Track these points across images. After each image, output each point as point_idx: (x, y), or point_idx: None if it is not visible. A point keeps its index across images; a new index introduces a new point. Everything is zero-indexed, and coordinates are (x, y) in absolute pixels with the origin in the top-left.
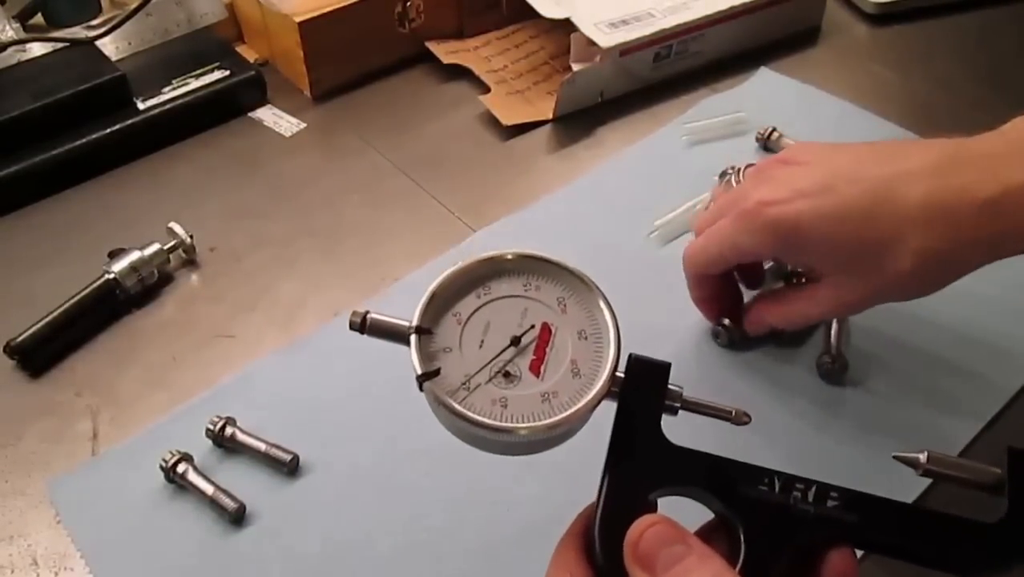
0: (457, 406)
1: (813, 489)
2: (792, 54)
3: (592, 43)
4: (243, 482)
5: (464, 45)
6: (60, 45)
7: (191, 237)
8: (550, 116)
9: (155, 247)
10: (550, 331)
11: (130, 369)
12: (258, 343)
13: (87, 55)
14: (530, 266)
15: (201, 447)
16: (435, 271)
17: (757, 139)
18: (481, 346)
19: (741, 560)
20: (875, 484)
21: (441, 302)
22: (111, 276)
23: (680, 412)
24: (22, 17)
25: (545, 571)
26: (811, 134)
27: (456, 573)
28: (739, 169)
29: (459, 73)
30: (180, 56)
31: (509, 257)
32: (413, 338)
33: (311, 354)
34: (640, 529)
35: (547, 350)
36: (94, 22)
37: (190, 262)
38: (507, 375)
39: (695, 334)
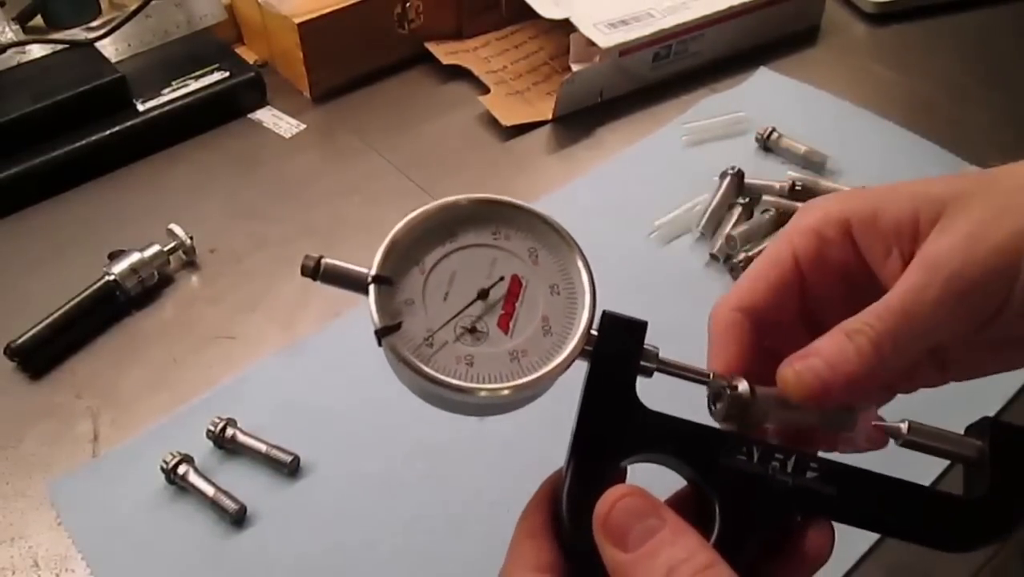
0: (420, 364)
1: (792, 460)
2: (791, 54)
3: (591, 43)
4: (244, 483)
5: (463, 46)
6: (60, 47)
7: (191, 238)
8: (550, 116)
9: (155, 248)
10: (520, 284)
11: (130, 370)
12: (258, 344)
13: (87, 57)
14: (500, 213)
15: (202, 448)
16: None
17: (757, 139)
18: (446, 299)
19: (716, 532)
20: None
21: (403, 250)
22: (111, 278)
23: (667, 384)
24: (22, 19)
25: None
26: (811, 134)
27: (456, 574)
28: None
29: (458, 74)
30: (180, 58)
31: (477, 200)
32: (372, 288)
33: (312, 355)
34: (611, 501)
35: (516, 305)
36: (94, 24)
37: (190, 263)
38: (473, 331)
39: (695, 334)
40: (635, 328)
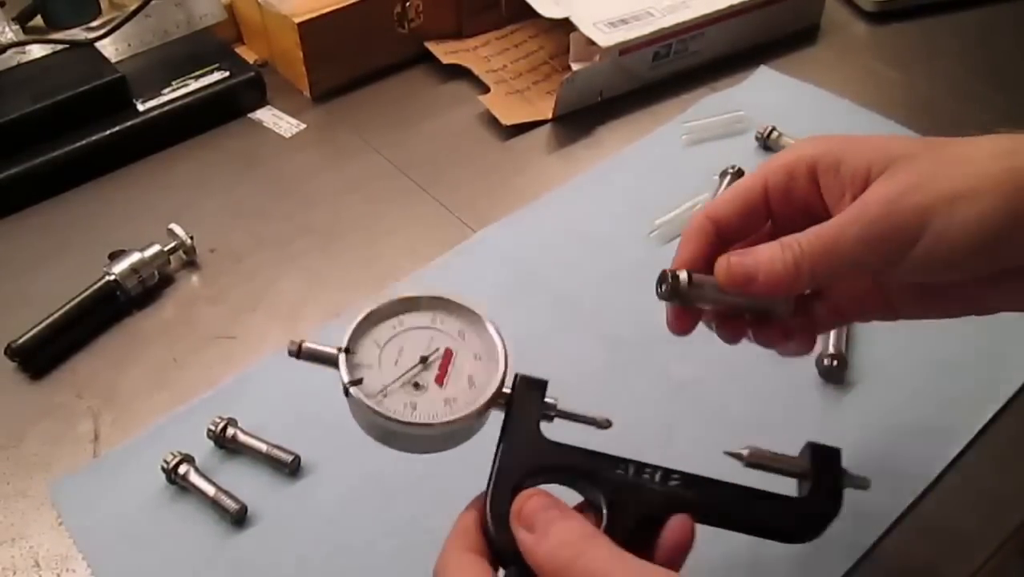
0: (376, 407)
1: (660, 473)
2: (791, 52)
3: (591, 42)
4: (244, 483)
5: (463, 45)
6: (60, 47)
7: (191, 238)
8: (550, 116)
9: (155, 248)
10: (452, 353)
11: (131, 370)
12: (259, 344)
13: (87, 57)
14: (438, 304)
15: (202, 448)
16: (435, 270)
17: (757, 138)
18: (396, 364)
19: (603, 524)
20: (874, 482)
21: (364, 331)
22: (112, 277)
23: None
24: (22, 19)
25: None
26: (811, 132)
27: None
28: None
29: (458, 73)
30: (180, 57)
31: (421, 298)
32: (341, 356)
33: None
34: (523, 499)
35: (449, 368)
36: (93, 24)
37: (190, 263)
38: (417, 386)
39: (695, 334)
40: (540, 385)
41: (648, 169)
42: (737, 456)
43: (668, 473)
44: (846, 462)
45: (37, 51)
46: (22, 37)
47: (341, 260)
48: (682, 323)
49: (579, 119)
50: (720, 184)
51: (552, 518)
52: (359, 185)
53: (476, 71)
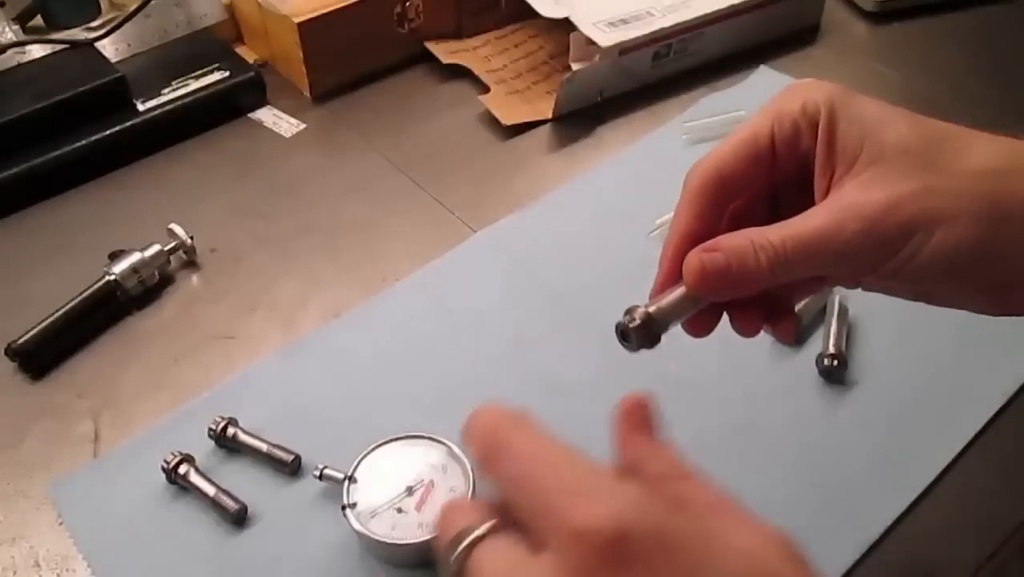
0: (363, 528)
1: None
2: (791, 52)
3: (591, 42)
4: (245, 483)
5: (463, 45)
6: (60, 47)
7: (191, 238)
8: (550, 116)
9: (155, 248)
10: (432, 485)
11: (131, 370)
12: (259, 344)
13: (87, 57)
14: (428, 443)
15: (203, 448)
16: (435, 270)
17: None
18: (386, 490)
19: None
20: (874, 482)
21: (368, 460)
22: (112, 278)
23: None
24: (22, 19)
25: None
26: None
27: None
28: None
29: (459, 73)
30: (180, 57)
31: (418, 437)
32: (346, 483)
33: (312, 354)
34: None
35: (428, 496)
36: (93, 24)
37: (190, 263)
38: (399, 510)
39: None
40: None
41: (648, 169)
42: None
43: None
44: (845, 462)
45: (37, 51)
46: (22, 37)
47: (341, 260)
48: (699, 326)
49: (579, 119)
50: None
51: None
52: (359, 185)
53: (476, 71)
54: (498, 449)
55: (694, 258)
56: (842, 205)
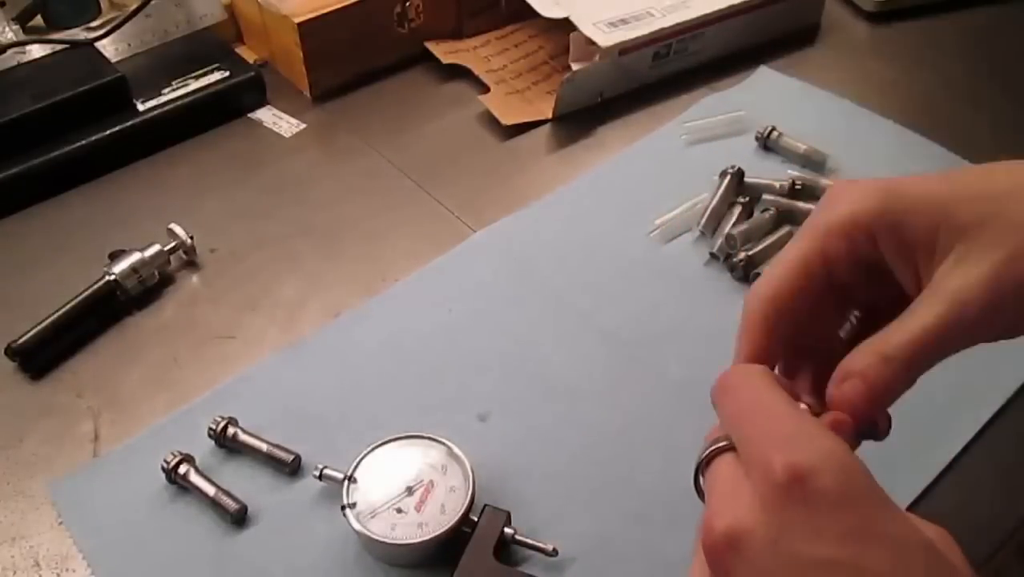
0: (363, 528)
1: None
2: (791, 52)
3: (591, 42)
4: (245, 483)
5: (463, 45)
6: (60, 47)
7: (191, 238)
8: (550, 116)
9: (155, 248)
10: (432, 485)
11: (131, 370)
12: (259, 343)
13: (87, 57)
14: (428, 443)
15: (202, 448)
16: (435, 270)
17: (757, 138)
18: (386, 490)
19: None
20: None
21: (368, 461)
22: (112, 277)
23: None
24: (22, 19)
25: None
26: (811, 132)
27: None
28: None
29: (458, 73)
30: (180, 57)
31: (417, 437)
32: (346, 483)
33: (312, 354)
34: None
35: (428, 496)
36: (93, 24)
37: (190, 263)
38: (399, 510)
39: (695, 334)
40: (503, 514)
41: (648, 169)
42: None
43: None
44: None
45: (37, 51)
46: (22, 37)
47: (341, 260)
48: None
49: (579, 119)
50: (720, 184)
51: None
52: (359, 185)
53: (476, 71)
54: (724, 391)
55: (836, 393)
56: (950, 291)
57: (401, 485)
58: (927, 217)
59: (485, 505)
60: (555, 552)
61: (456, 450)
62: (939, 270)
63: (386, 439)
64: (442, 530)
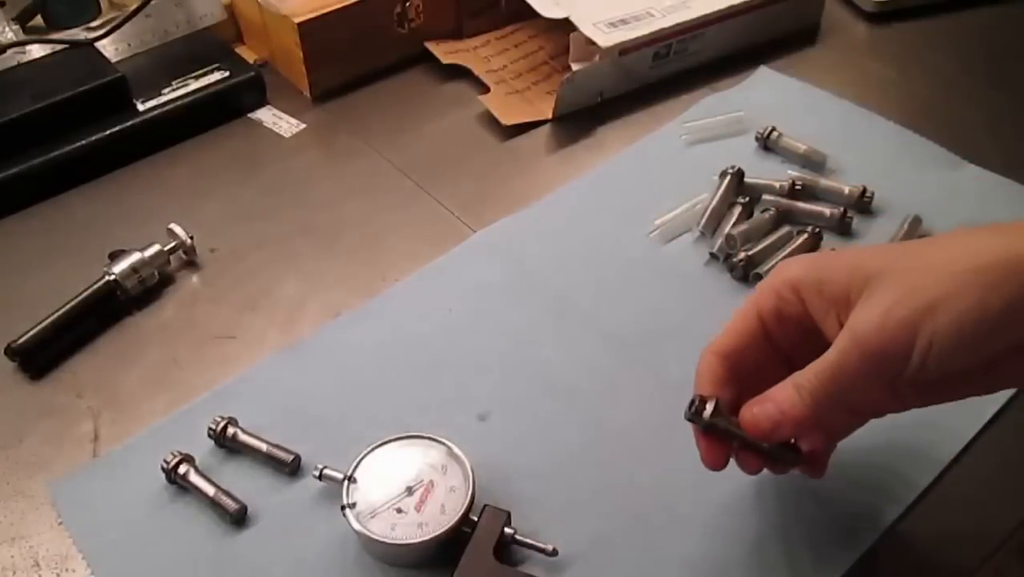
0: (363, 528)
1: None
2: (791, 53)
3: (591, 43)
4: (245, 483)
5: (463, 45)
6: (60, 47)
7: (191, 238)
8: (550, 116)
9: (155, 248)
10: (432, 485)
11: (131, 370)
12: (259, 344)
13: (87, 57)
14: (429, 444)
15: (202, 448)
16: (435, 271)
17: (757, 138)
18: (386, 490)
19: None
20: (872, 484)
21: (367, 461)
22: (112, 277)
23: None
24: (21, 19)
25: None
26: (811, 133)
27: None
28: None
29: (458, 73)
30: (180, 57)
31: (417, 437)
32: (346, 483)
33: (312, 354)
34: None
35: (428, 496)
36: (93, 24)
37: (190, 263)
38: (399, 510)
39: (695, 334)
40: (503, 514)
41: (648, 169)
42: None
43: None
44: (845, 463)
45: (37, 51)
46: (22, 37)
47: (341, 260)
48: (713, 457)
49: (579, 119)
50: (720, 184)
51: None
52: (359, 185)
53: (476, 71)
54: None
55: (745, 412)
56: (849, 332)
57: (401, 485)
58: (843, 273)
59: (485, 505)
60: (555, 552)
61: (456, 450)
62: (849, 320)
63: (386, 439)
64: (442, 530)
